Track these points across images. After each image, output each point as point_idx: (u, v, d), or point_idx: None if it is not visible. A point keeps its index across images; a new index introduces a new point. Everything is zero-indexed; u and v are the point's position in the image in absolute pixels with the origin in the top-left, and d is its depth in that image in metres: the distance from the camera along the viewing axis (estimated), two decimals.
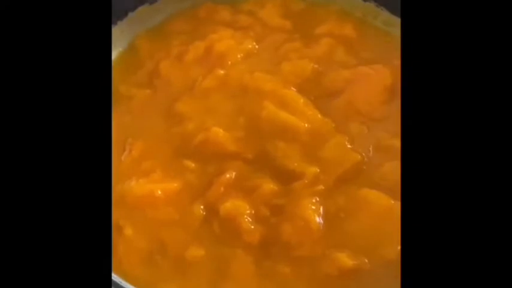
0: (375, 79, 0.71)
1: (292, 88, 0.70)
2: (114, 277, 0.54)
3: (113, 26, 0.76)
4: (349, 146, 0.65)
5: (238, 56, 0.74)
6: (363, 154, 0.65)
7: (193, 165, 0.65)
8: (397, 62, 0.71)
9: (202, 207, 0.62)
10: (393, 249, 0.57)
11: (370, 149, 0.65)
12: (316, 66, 0.72)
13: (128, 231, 0.61)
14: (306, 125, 0.66)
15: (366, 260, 0.58)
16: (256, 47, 0.75)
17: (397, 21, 0.76)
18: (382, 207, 0.60)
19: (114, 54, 0.76)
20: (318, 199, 0.61)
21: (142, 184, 0.63)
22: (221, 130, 0.66)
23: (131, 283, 0.56)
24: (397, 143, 0.64)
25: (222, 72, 0.71)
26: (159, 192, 0.63)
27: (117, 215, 0.60)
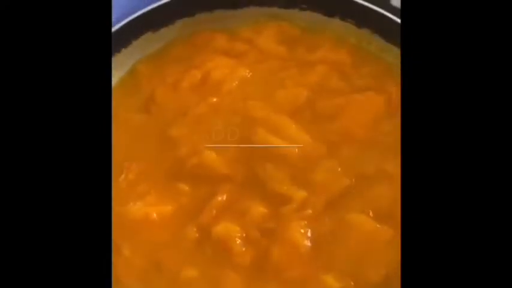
0: (367, 106, 0.72)
1: (285, 115, 0.70)
2: None
3: (117, 53, 0.77)
4: (339, 170, 0.66)
5: (233, 84, 0.75)
6: (353, 179, 0.66)
7: (186, 188, 0.67)
8: (390, 88, 0.73)
9: (195, 229, 0.64)
10: (378, 272, 0.59)
11: (360, 173, 0.66)
12: (310, 93, 0.73)
13: (126, 252, 0.63)
14: (297, 150, 0.67)
15: (352, 283, 0.59)
16: (252, 74, 0.76)
17: (391, 47, 0.77)
18: (369, 231, 0.62)
19: (116, 79, 0.77)
20: (306, 223, 0.63)
21: (139, 207, 0.65)
22: (213, 153, 0.67)
23: None
24: (386, 167, 0.66)
25: (215, 100, 0.72)
26: (154, 215, 0.64)
27: (115, 236, 0.60)
